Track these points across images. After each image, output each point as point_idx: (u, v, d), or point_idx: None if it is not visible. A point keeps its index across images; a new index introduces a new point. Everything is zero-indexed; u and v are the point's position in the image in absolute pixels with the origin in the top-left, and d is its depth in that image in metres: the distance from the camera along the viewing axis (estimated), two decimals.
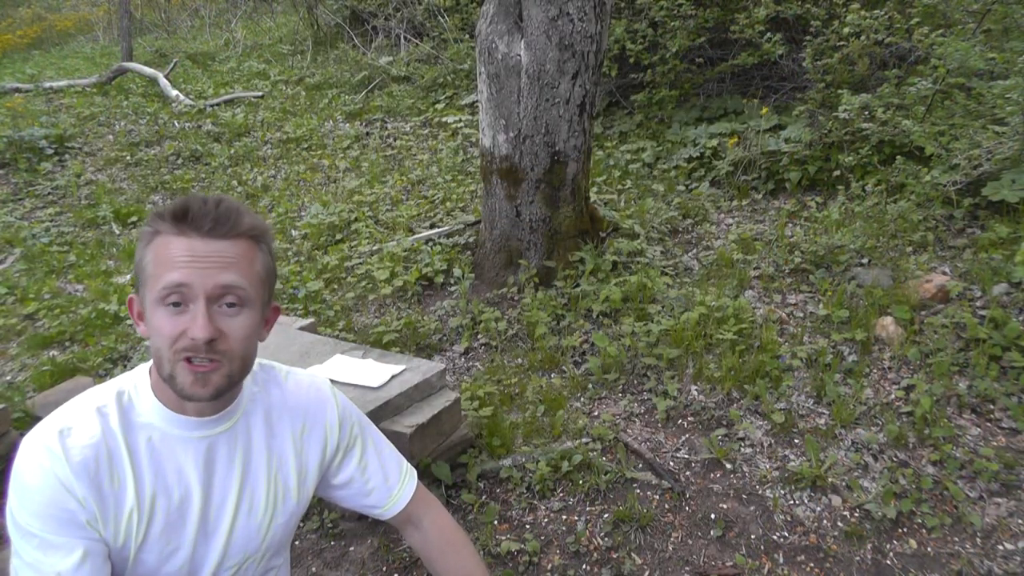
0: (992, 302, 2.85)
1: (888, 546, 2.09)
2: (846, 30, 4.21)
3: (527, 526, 2.26)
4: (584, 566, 2.11)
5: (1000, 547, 2.06)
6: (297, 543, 2.28)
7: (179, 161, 6.01)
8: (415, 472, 1.31)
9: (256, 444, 1.12)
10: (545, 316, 3.19)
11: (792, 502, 2.27)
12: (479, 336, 3.27)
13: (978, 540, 2.08)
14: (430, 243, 3.96)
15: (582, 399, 2.84)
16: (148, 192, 5.46)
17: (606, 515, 2.27)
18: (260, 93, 7.66)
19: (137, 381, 1.06)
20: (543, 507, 2.33)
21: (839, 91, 4.11)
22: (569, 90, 3.24)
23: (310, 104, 7.24)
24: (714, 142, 4.57)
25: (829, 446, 2.46)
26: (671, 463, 2.47)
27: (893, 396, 2.64)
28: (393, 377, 2.36)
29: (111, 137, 6.61)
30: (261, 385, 1.15)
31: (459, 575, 1.24)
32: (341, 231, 4.40)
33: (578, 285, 3.37)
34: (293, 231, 4.57)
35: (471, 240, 3.91)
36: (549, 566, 2.11)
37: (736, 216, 4.07)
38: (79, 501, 0.95)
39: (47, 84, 8.33)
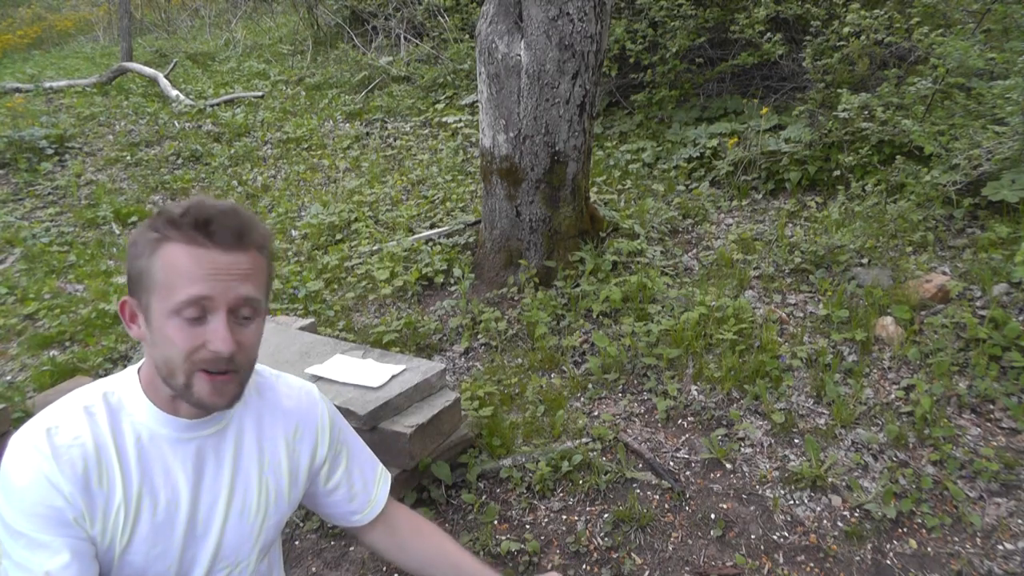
0: (992, 302, 2.85)
1: (888, 546, 2.09)
2: (846, 30, 4.21)
3: (527, 526, 2.26)
4: (584, 566, 2.11)
5: (1000, 547, 2.06)
6: (297, 543, 2.28)
7: (179, 161, 6.01)
8: (388, 475, 1.33)
9: (247, 446, 1.12)
10: (545, 316, 3.19)
11: (792, 502, 2.27)
12: (479, 336, 3.27)
13: (978, 540, 2.08)
14: (430, 243, 3.96)
15: (582, 399, 2.84)
16: (148, 192, 5.46)
17: (606, 515, 2.27)
18: (260, 93, 7.66)
19: (125, 382, 1.05)
20: (543, 507, 2.33)
21: (839, 91, 4.11)
22: (569, 90, 3.24)
23: (310, 104, 7.24)
24: (714, 142, 4.57)
25: (829, 446, 2.46)
26: (671, 463, 2.47)
27: (893, 396, 2.64)
28: (393, 377, 2.36)
29: (111, 137, 6.61)
30: (252, 387, 1.15)
31: (434, 552, 1.27)
32: (341, 231, 4.40)
33: (578, 285, 3.37)
34: (293, 231, 4.57)
35: (471, 240, 3.91)
36: (549, 566, 2.11)
37: (736, 216, 4.07)
38: (66, 499, 0.95)
39: (47, 84, 8.33)
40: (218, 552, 1.09)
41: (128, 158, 6.08)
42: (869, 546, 2.10)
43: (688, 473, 2.43)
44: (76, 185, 5.51)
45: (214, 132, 6.60)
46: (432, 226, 4.24)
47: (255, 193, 5.32)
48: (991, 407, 2.52)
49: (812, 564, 2.06)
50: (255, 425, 1.13)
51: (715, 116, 5.00)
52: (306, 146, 6.18)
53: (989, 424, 2.47)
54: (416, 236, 4.07)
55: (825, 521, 2.19)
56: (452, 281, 3.67)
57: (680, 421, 2.67)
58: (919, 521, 2.15)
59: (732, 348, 2.89)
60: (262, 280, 1.01)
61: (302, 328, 2.87)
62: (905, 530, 2.14)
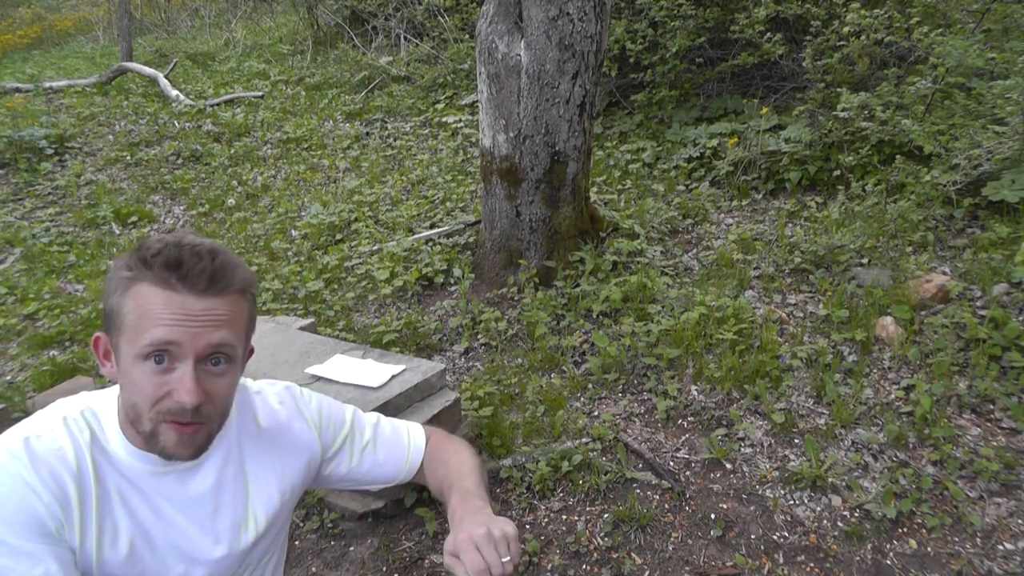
0: (992, 302, 2.85)
1: (888, 546, 2.09)
2: (846, 29, 4.21)
3: (527, 526, 2.26)
4: (584, 566, 2.11)
5: (1000, 547, 2.06)
6: (297, 543, 2.28)
7: (179, 161, 6.01)
8: (420, 432, 1.29)
9: (230, 471, 1.09)
10: (545, 316, 3.19)
11: (792, 502, 2.27)
12: (479, 336, 3.27)
13: (978, 540, 2.08)
14: (430, 243, 3.96)
15: (582, 399, 2.84)
16: (148, 192, 5.46)
17: (606, 515, 2.27)
18: (260, 93, 7.66)
19: (105, 408, 1.02)
20: (543, 507, 2.33)
21: (839, 91, 4.11)
22: (569, 90, 3.24)
23: (310, 104, 7.24)
24: (714, 142, 4.57)
25: (829, 446, 2.46)
26: (671, 463, 2.47)
27: (893, 396, 2.64)
28: (393, 377, 2.36)
29: (111, 137, 6.61)
30: (233, 409, 1.10)
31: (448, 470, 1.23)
32: (341, 231, 4.40)
33: (578, 285, 3.37)
34: (293, 231, 4.57)
35: (471, 240, 3.91)
36: (549, 566, 2.11)
37: (736, 216, 4.07)
38: (45, 505, 0.92)
39: (47, 84, 8.32)
40: (209, 572, 1.07)
41: (128, 158, 6.08)
42: (869, 546, 2.10)
43: (688, 473, 2.43)
44: (76, 185, 5.51)
45: (214, 132, 6.60)
46: (432, 226, 4.24)
47: (255, 193, 5.32)
48: (991, 407, 2.52)
49: (812, 564, 2.06)
50: (237, 447, 1.10)
51: (715, 116, 5.00)
52: (306, 146, 6.18)
53: (989, 424, 2.47)
54: (416, 236, 4.06)
55: (825, 521, 2.19)
56: (452, 281, 3.67)
57: (680, 421, 2.67)
58: (919, 521, 2.15)
59: (732, 348, 2.89)
60: (240, 326, 0.97)
61: (302, 328, 2.87)
62: (905, 530, 2.14)
